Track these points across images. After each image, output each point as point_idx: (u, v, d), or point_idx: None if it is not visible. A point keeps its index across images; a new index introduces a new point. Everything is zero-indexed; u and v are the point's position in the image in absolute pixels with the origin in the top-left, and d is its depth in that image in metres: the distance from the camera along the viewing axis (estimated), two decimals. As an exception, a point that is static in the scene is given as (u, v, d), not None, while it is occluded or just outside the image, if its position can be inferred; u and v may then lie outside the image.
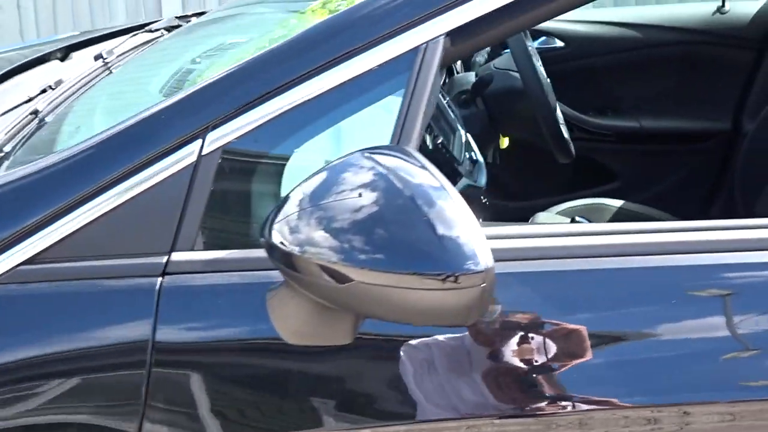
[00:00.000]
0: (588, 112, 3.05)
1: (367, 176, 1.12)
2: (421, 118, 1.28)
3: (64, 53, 2.45)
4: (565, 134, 2.50)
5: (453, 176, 1.97)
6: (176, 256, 1.28)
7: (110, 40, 2.43)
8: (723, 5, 2.94)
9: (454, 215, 1.08)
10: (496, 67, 2.49)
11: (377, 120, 1.34)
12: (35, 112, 1.73)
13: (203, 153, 1.30)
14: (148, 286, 1.26)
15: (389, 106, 1.31)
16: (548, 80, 2.46)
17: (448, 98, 2.32)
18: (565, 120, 2.96)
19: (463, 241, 1.07)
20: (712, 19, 2.96)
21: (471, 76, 2.59)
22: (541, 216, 2.71)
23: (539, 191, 3.09)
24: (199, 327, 1.28)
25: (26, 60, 2.36)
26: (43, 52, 2.42)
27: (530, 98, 2.28)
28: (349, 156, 1.16)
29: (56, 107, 1.77)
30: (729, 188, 2.80)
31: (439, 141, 1.97)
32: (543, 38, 3.02)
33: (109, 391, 1.26)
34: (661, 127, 3.03)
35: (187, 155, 1.30)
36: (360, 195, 1.10)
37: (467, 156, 2.14)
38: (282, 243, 1.11)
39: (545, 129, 2.29)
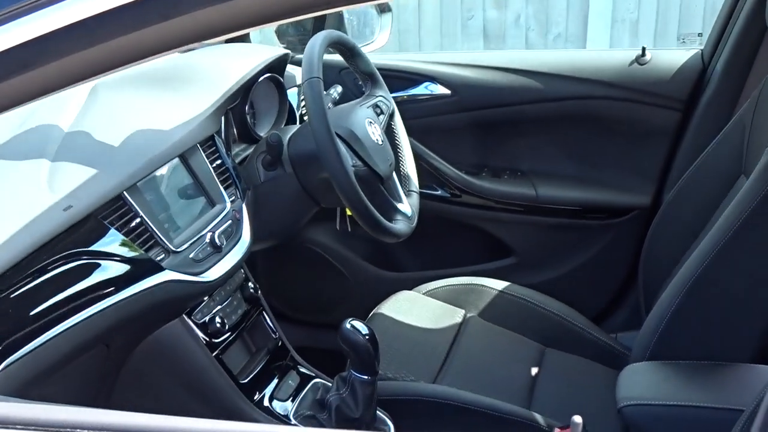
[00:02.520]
0: (480, 174, 2.68)
1: None
2: None
3: None
4: (406, 209, 2.09)
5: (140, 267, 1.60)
6: None
7: None
8: (643, 54, 2.54)
9: None
10: None
11: None
12: None
13: None
14: None
15: None
16: (380, 142, 2.06)
17: (230, 157, 1.98)
18: (452, 182, 2.63)
19: None
20: (630, 71, 2.56)
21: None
22: (404, 295, 2.35)
23: (418, 263, 2.72)
24: None
25: None
26: None
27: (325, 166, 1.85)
28: None
29: None
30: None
31: (135, 222, 1.60)
32: (426, 83, 2.64)
33: None
34: (562, 197, 2.64)
35: None
36: None
37: (208, 240, 1.76)
38: None
39: (346, 203, 1.88)
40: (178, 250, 1.66)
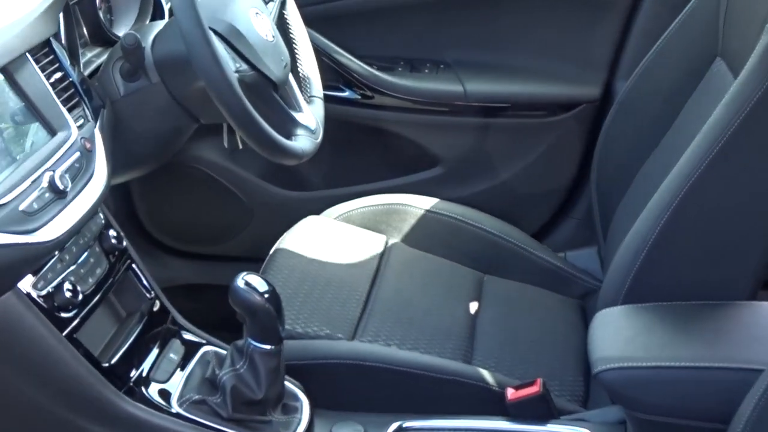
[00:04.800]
0: (395, 69, 2.37)
1: None
2: None
3: None
4: (309, 120, 1.77)
5: None
6: None
7: None
8: None
9: None
10: None
11: None
12: None
13: None
14: None
15: None
16: (271, 38, 1.73)
17: (77, 67, 1.64)
18: (361, 81, 2.33)
19: None
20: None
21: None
22: (311, 222, 2.07)
23: (326, 179, 2.45)
24: None
25: None
26: None
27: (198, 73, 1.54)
28: None
29: None
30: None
31: None
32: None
33: None
34: (494, 92, 2.35)
35: None
36: None
37: (47, 183, 1.39)
38: None
39: (230, 120, 1.56)
40: (2, 201, 1.29)
